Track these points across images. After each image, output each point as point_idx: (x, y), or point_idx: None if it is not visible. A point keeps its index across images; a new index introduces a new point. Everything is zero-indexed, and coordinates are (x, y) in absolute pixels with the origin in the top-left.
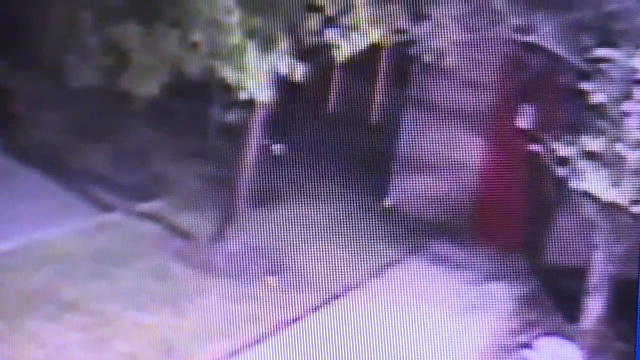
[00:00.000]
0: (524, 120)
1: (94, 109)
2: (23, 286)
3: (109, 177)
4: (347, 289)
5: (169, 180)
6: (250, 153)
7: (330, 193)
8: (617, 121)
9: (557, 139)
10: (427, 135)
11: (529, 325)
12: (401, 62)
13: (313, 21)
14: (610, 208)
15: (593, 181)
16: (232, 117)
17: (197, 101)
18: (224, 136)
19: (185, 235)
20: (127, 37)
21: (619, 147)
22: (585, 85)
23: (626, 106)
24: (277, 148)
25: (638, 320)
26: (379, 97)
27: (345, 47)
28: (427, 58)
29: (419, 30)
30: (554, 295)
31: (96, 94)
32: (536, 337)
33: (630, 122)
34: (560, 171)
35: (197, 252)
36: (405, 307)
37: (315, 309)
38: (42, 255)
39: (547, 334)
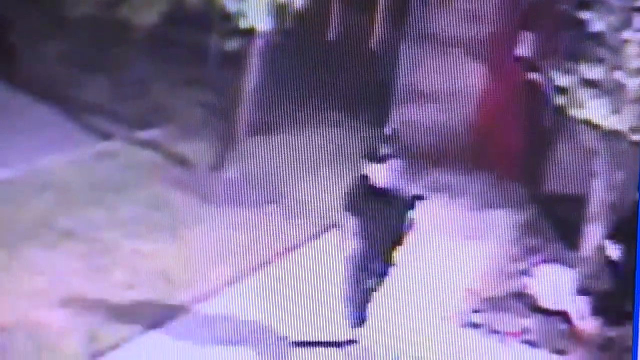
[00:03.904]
0: (523, 48)
1: (92, 38)
2: (21, 214)
3: (107, 106)
4: None
5: (168, 108)
6: (250, 81)
7: (329, 122)
8: (616, 49)
9: (556, 67)
10: (426, 63)
11: (529, 252)
12: None
13: None
14: (610, 135)
15: (593, 109)
16: (231, 45)
17: (197, 30)
18: (224, 65)
19: (184, 163)
20: None
21: (618, 75)
22: (584, 14)
23: (625, 34)
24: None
25: (638, 247)
26: (378, 26)
27: None
28: None
29: None
30: (554, 222)
31: (95, 24)
32: (535, 264)
33: (629, 50)
34: (560, 99)
35: (196, 180)
36: None
37: (315, 236)
38: (41, 183)
39: (547, 261)
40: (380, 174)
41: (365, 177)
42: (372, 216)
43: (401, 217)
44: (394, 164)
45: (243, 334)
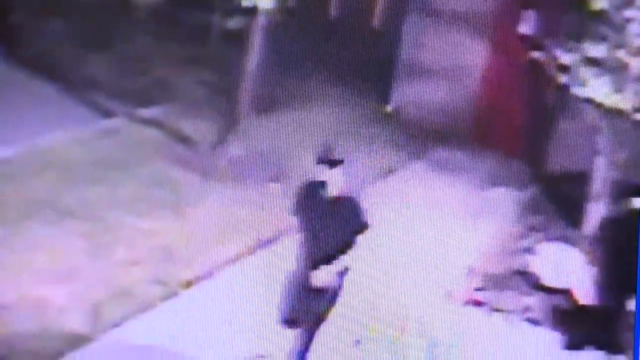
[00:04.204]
0: (526, 26)
1: (96, 16)
2: (23, 192)
3: (110, 84)
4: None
5: (171, 86)
6: (252, 59)
7: (332, 99)
8: (619, 28)
9: (559, 45)
10: (430, 40)
11: (532, 230)
12: None
13: None
14: (613, 114)
15: (595, 87)
16: (234, 24)
17: (199, 8)
18: (227, 43)
19: (187, 141)
20: None
21: (621, 54)
22: None
23: (628, 13)
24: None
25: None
26: (380, 3)
27: None
28: None
29: None
30: (557, 201)
31: (98, 2)
32: (538, 242)
33: (632, 29)
34: (563, 78)
35: (199, 157)
36: (407, 211)
37: None
38: (43, 161)
39: (549, 239)
40: (336, 181)
41: (321, 184)
42: (321, 229)
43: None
44: (349, 167)
45: None
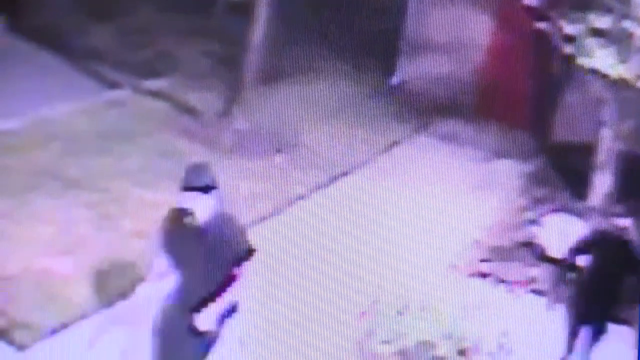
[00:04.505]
0: None
1: None
2: (28, 164)
3: (115, 56)
4: (355, 166)
5: (176, 57)
6: (258, 31)
7: (337, 72)
8: None
9: (564, 16)
10: (434, 13)
11: (537, 202)
12: None
13: None
14: (618, 84)
15: (601, 58)
16: None
17: None
18: (232, 14)
19: (193, 112)
20: None
21: (626, 24)
22: None
23: None
24: None
25: None
26: None
27: None
28: None
29: None
30: (562, 172)
31: None
32: (543, 213)
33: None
34: (568, 49)
35: (205, 129)
36: (412, 184)
37: (323, 185)
38: (48, 133)
39: (555, 210)
40: (205, 208)
41: (185, 212)
42: (190, 264)
43: (228, 266)
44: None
45: None
